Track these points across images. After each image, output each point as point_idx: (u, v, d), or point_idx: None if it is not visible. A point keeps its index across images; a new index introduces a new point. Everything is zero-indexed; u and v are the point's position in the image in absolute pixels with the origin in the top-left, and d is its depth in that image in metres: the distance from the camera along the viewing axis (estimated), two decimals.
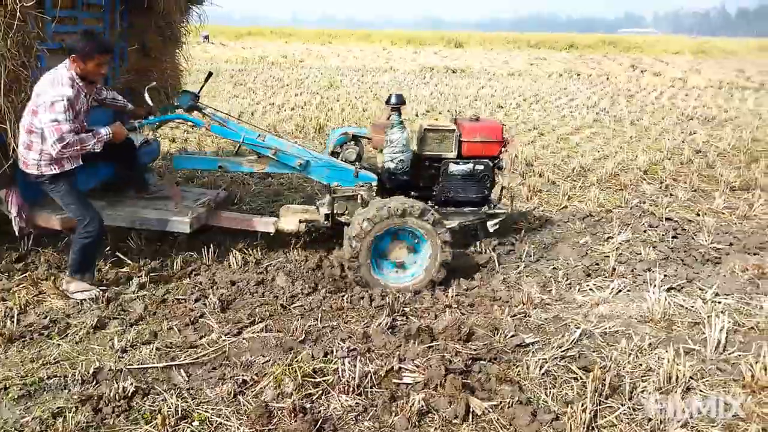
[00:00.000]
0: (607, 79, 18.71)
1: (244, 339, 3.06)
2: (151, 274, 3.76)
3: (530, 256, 4.29)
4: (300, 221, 4.02)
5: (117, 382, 2.61)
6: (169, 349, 2.95)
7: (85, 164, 3.45)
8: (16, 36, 3.01)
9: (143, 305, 3.39)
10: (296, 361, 2.77)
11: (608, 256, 4.22)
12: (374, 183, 3.91)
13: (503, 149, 4.08)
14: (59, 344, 2.98)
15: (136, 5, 4.18)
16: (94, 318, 3.19)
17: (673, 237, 4.72)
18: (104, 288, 3.50)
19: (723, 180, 6.40)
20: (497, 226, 4.19)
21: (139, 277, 3.68)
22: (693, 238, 4.70)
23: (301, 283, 3.68)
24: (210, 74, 4.12)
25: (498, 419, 2.48)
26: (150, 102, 3.81)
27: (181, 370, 2.78)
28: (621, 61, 25.58)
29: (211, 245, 4.01)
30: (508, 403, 2.55)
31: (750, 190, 6.13)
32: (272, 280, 3.76)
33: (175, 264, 3.88)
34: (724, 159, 7.63)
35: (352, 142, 4.03)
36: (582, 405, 2.46)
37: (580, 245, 4.49)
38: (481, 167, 4.01)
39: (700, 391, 2.72)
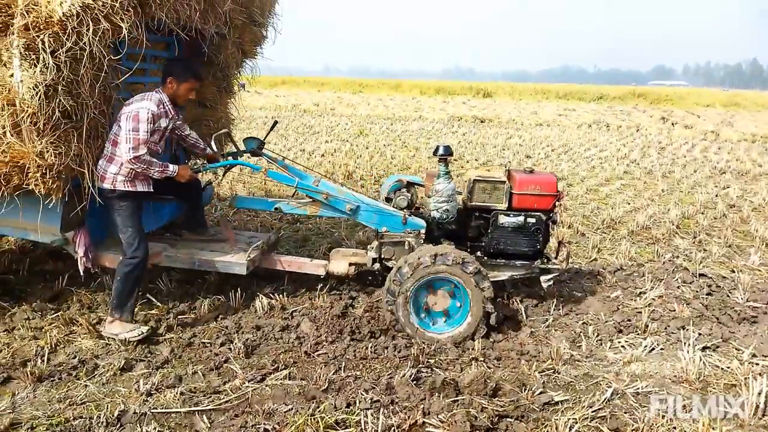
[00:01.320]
0: (637, 130, 18.63)
1: (267, 386, 3.05)
2: (179, 317, 3.81)
3: (559, 309, 4.21)
4: (350, 264, 4.11)
5: (140, 426, 2.62)
6: (192, 394, 2.95)
7: (152, 204, 3.64)
8: (101, 87, 3.24)
9: (170, 348, 3.42)
10: (318, 411, 2.73)
11: (640, 312, 4.11)
12: (422, 230, 3.97)
13: (557, 203, 4.01)
14: (87, 385, 3.02)
15: (197, 58, 4.44)
16: (122, 360, 3.23)
17: (708, 294, 4.58)
18: (149, 327, 3.56)
19: (758, 236, 6.23)
20: (551, 282, 4.05)
21: (167, 319, 3.73)
22: (728, 296, 4.56)
23: (325, 330, 3.67)
24: (275, 122, 4.41)
25: None
26: (215, 148, 4.07)
27: (204, 416, 2.77)
28: (651, 113, 25.50)
29: (238, 289, 4.05)
30: None
31: None
32: (297, 326, 3.76)
33: (203, 307, 3.92)
34: (759, 214, 7.45)
35: (405, 189, 4.12)
36: None
37: (611, 299, 4.40)
38: (533, 220, 3.93)
39: None
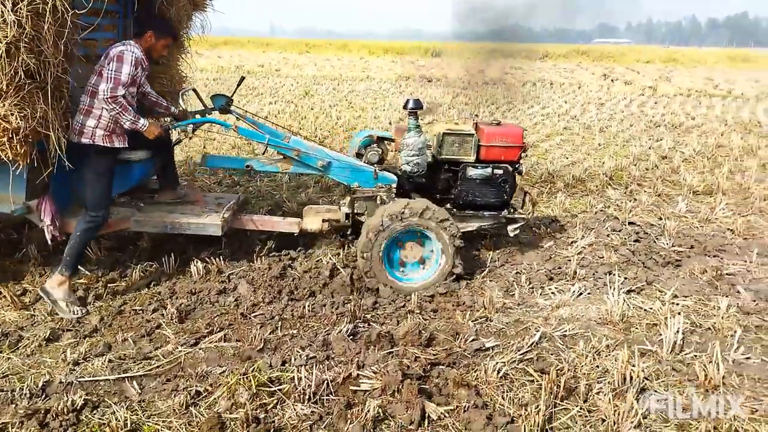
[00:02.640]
0: (579, 87, 19.00)
1: (200, 349, 3.02)
2: (110, 285, 3.70)
3: (495, 261, 4.31)
4: (323, 221, 4.14)
5: (66, 395, 2.55)
6: (122, 361, 2.89)
7: (119, 167, 3.58)
8: (63, 43, 3.05)
9: (99, 317, 3.32)
10: (252, 371, 2.73)
11: (570, 260, 4.26)
12: (394, 184, 4.01)
13: (523, 154, 4.13)
14: (10, 357, 2.91)
15: (148, 13, 4.21)
16: (47, 330, 3.11)
17: (635, 241, 4.79)
18: (86, 310, 3.41)
19: (686, 185, 6.53)
20: (517, 231, 4.21)
21: (95, 287, 3.61)
22: (655, 242, 4.78)
23: (263, 292, 3.64)
24: (242, 78, 4.43)
25: (454, 424, 2.48)
26: (183, 105, 4.03)
27: (134, 382, 2.72)
28: (594, 70, 26.00)
29: (172, 254, 3.95)
30: (464, 407, 2.55)
31: (712, 195, 6.26)
32: (234, 289, 3.71)
33: (134, 274, 3.81)
34: (689, 164, 7.79)
35: (375, 145, 4.13)
36: (536, 407, 2.47)
37: (544, 249, 4.54)
38: (500, 172, 4.04)
39: (655, 391, 2.75)
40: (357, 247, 3.80)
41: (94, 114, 3.35)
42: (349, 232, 4.33)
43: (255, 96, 14.50)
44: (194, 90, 4.32)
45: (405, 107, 4.01)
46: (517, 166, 4.13)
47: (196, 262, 3.92)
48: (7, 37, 2.78)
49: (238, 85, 4.36)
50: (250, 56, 29.97)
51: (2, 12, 2.76)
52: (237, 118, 4.18)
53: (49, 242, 3.58)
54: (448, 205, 4.11)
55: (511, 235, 4.23)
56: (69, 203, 3.74)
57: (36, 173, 3.25)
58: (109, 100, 3.26)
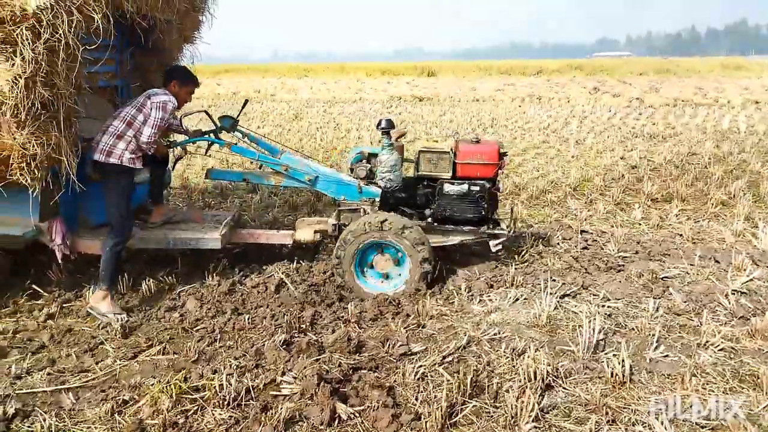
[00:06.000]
0: (568, 101, 19.23)
1: (137, 362, 3.18)
2: (64, 305, 3.88)
3: (443, 272, 4.45)
4: (315, 232, 4.43)
5: (3, 407, 2.71)
6: (60, 374, 3.05)
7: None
8: (75, 77, 3.35)
9: (49, 334, 3.50)
10: (174, 379, 2.88)
11: (511, 268, 4.39)
12: (377, 198, 4.27)
13: (500, 170, 4.31)
14: None
15: (143, 46, 4.55)
16: None
17: (584, 248, 4.92)
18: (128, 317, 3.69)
19: (645, 193, 6.66)
20: (500, 247, 4.33)
21: (49, 307, 3.80)
22: (602, 248, 4.91)
23: (208, 307, 3.81)
24: (246, 101, 4.87)
25: (362, 422, 2.61)
26: (184, 126, 4.42)
27: (70, 394, 2.88)
28: (585, 84, 26.24)
29: (125, 274, 4.13)
30: (375, 407, 2.68)
31: (671, 201, 6.39)
32: (183, 305, 3.88)
33: (89, 294, 3.99)
34: (657, 173, 7.92)
35: (365, 161, 4.40)
36: (438, 404, 2.61)
37: (491, 258, 4.67)
38: (476, 188, 4.23)
39: (564, 388, 2.88)
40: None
41: (126, 139, 3.75)
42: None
43: (245, 121, 14.80)
44: (206, 111, 4.74)
45: (378, 127, 4.26)
46: (494, 182, 4.31)
47: (148, 280, 4.10)
48: (26, 72, 3.07)
49: (243, 108, 4.73)
50: (248, 83, 30.50)
51: (22, 51, 3.05)
52: (243, 135, 4.59)
53: (60, 261, 3.89)
54: (429, 219, 4.32)
55: (494, 250, 4.33)
56: (76, 224, 4.09)
57: (48, 196, 3.55)
58: (151, 143, 3.79)
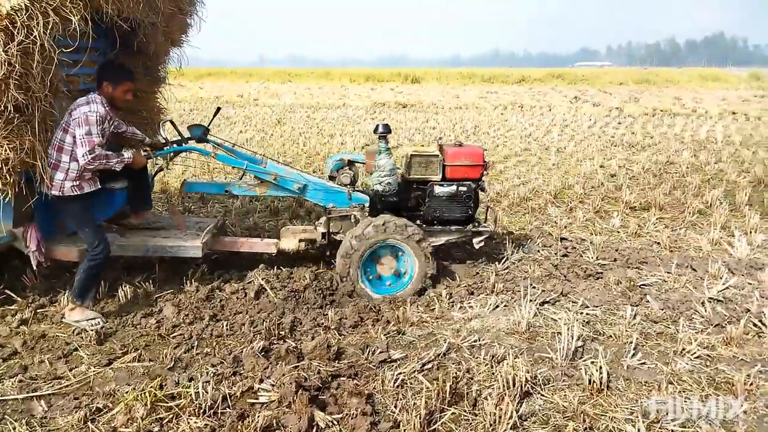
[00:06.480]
0: (549, 110, 19.45)
1: (111, 369, 3.12)
2: (38, 311, 3.80)
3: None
4: (300, 241, 4.40)
5: None
6: (33, 381, 2.98)
7: (103, 193, 3.76)
8: (50, 79, 3.28)
9: (22, 340, 3.42)
10: (150, 387, 2.84)
11: (492, 274, 4.41)
12: (366, 204, 4.30)
13: (485, 172, 4.43)
14: None
15: (127, 49, 4.45)
16: None
17: (563, 255, 4.96)
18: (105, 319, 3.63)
19: (624, 201, 6.75)
20: (482, 243, 4.49)
21: (22, 312, 3.72)
22: (581, 256, 4.96)
23: (186, 313, 3.76)
24: (218, 109, 4.65)
25: (340, 430, 2.60)
26: (164, 135, 4.27)
27: (42, 401, 2.82)
28: (566, 93, 26.58)
29: (102, 281, 4.06)
30: (353, 414, 2.67)
31: (649, 210, 6.48)
32: (159, 311, 3.83)
33: (63, 299, 3.91)
34: (635, 182, 8.03)
35: (347, 167, 4.42)
36: (417, 412, 2.60)
37: (472, 266, 4.69)
38: (464, 189, 4.35)
39: (542, 395, 2.89)
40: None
41: (62, 168, 3.50)
42: (328, 253, 4.58)
43: (227, 125, 14.73)
44: (171, 122, 4.55)
45: (375, 132, 4.32)
46: (480, 183, 4.45)
47: (124, 286, 4.03)
48: None
49: (214, 116, 4.57)
50: (232, 87, 30.35)
51: None
52: (214, 146, 4.35)
53: (35, 268, 3.80)
54: (418, 222, 4.38)
55: (477, 247, 4.50)
56: (53, 230, 3.96)
57: (22, 201, 3.46)
58: (90, 162, 3.47)
